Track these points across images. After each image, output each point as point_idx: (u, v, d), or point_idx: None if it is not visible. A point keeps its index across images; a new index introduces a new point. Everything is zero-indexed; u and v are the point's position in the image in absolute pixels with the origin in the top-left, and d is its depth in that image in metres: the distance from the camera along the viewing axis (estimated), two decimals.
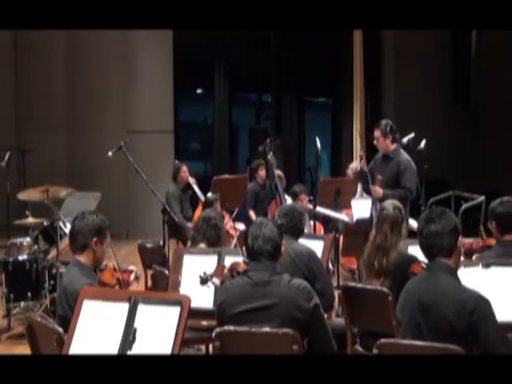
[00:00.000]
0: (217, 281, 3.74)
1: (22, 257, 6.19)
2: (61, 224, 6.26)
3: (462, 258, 3.30)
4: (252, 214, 8.60)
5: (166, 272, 4.83)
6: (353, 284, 4.45)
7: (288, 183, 9.19)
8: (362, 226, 6.36)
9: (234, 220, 7.89)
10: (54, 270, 6.12)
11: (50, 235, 6.39)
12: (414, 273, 3.37)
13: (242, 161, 14.80)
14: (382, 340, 2.96)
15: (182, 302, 2.72)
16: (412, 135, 6.73)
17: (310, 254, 4.40)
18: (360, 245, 4.92)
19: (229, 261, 3.82)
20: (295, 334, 3.04)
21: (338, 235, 6.98)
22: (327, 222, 7.82)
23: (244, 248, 3.47)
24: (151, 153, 11.43)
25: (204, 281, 3.78)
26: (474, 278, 3.55)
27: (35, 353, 3.31)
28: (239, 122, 15.07)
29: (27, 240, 6.45)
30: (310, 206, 7.33)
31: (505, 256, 3.97)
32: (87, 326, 2.81)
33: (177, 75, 12.39)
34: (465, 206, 6.72)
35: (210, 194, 7.45)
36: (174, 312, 2.70)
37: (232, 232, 6.91)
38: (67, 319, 3.08)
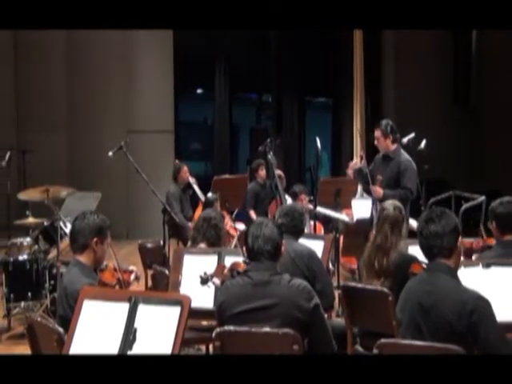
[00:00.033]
0: (217, 281, 3.74)
1: (23, 257, 6.19)
2: (61, 224, 6.26)
3: (461, 258, 3.30)
4: (253, 213, 8.60)
5: (167, 272, 4.83)
6: (353, 284, 4.45)
7: (288, 183, 9.19)
8: (363, 226, 6.36)
9: (235, 220, 7.90)
10: (54, 270, 6.12)
11: (50, 235, 6.39)
12: (414, 273, 3.37)
13: (242, 161, 14.80)
14: (382, 340, 2.96)
15: (182, 301, 2.72)
16: (412, 135, 6.73)
17: (311, 254, 4.40)
18: (360, 245, 4.92)
19: (229, 261, 3.82)
20: (295, 334, 3.04)
21: (338, 235, 6.98)
22: (327, 222, 7.82)
23: (244, 248, 3.47)
24: (151, 153, 11.44)
25: (204, 281, 3.78)
26: (474, 278, 3.55)
27: (35, 353, 3.31)
28: (239, 121, 15.07)
29: (27, 240, 6.45)
30: (310, 206, 7.33)
31: (505, 256, 3.97)
32: (87, 326, 2.81)
33: (177, 75, 12.39)
34: (465, 206, 6.71)
35: (210, 194, 7.45)
36: (174, 312, 2.70)
37: (232, 232, 6.91)
38: (67, 319, 3.08)
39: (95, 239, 3.68)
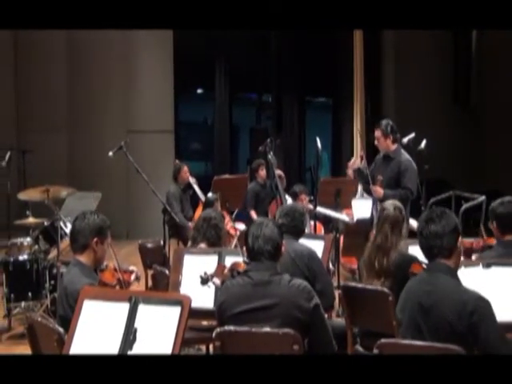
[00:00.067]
0: (217, 281, 3.74)
1: (23, 257, 6.19)
2: (61, 224, 6.26)
3: (461, 258, 3.30)
4: (253, 214, 8.60)
5: (167, 272, 4.83)
6: (353, 284, 4.45)
7: (288, 183, 9.19)
8: (363, 226, 6.35)
9: (235, 220, 7.90)
10: (54, 270, 6.12)
11: (50, 235, 6.39)
12: (414, 273, 3.37)
13: (242, 161, 14.80)
14: (383, 340, 2.96)
15: (182, 302, 2.72)
16: (412, 135, 6.73)
17: (311, 254, 4.40)
18: (360, 245, 4.92)
19: (229, 261, 3.82)
20: (296, 334, 3.04)
21: (338, 235, 6.98)
22: (328, 222, 7.82)
23: (244, 248, 3.47)
24: (152, 153, 11.44)
25: (204, 281, 3.78)
26: (474, 277, 3.55)
27: (36, 353, 3.31)
28: (240, 121, 15.08)
29: (28, 240, 6.45)
30: (311, 206, 7.33)
31: (505, 256, 3.97)
32: (88, 326, 2.81)
33: (177, 75, 12.40)
34: (465, 205, 6.71)
35: (210, 194, 7.45)
36: (174, 312, 2.70)
37: (232, 232, 6.91)
38: (68, 319, 3.08)
39: (95, 239, 3.68)
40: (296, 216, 4.54)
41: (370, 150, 8.36)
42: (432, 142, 7.14)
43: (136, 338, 2.70)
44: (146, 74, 12.17)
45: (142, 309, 2.76)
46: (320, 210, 7.02)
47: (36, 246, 6.35)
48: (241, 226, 7.62)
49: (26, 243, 6.44)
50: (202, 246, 4.63)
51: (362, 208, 6.91)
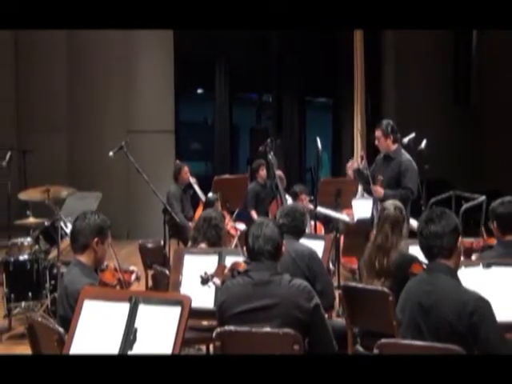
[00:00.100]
0: (217, 281, 3.74)
1: (23, 257, 6.19)
2: (62, 224, 6.25)
3: (461, 258, 3.30)
4: (254, 214, 8.60)
5: (167, 272, 4.83)
6: (353, 284, 4.45)
7: (289, 183, 9.20)
8: (363, 226, 6.36)
9: (235, 220, 7.90)
10: (54, 270, 6.12)
11: (50, 235, 6.38)
12: (415, 273, 3.37)
13: (242, 161, 14.81)
14: (383, 340, 2.96)
15: (182, 302, 2.73)
16: (412, 135, 6.73)
17: (311, 254, 4.40)
18: (361, 245, 4.93)
19: (229, 261, 3.82)
20: (296, 333, 3.04)
21: (338, 235, 6.98)
22: (328, 222, 7.82)
23: (245, 248, 3.47)
24: (152, 153, 11.44)
25: (205, 281, 3.78)
26: (474, 277, 3.56)
27: (36, 353, 3.31)
28: (240, 122, 15.08)
29: (28, 240, 6.45)
30: (311, 206, 7.33)
31: (506, 256, 3.97)
32: (88, 326, 2.81)
33: (177, 75, 12.40)
34: (465, 205, 6.71)
35: (210, 194, 7.45)
36: (174, 312, 2.70)
37: (233, 232, 6.91)
38: (68, 319, 3.08)
39: (96, 239, 3.69)
40: (297, 216, 4.54)
41: (371, 150, 8.36)
42: (432, 142, 7.14)
43: (136, 338, 2.70)
44: (147, 74, 12.16)
45: (143, 309, 2.76)
46: (320, 210, 7.03)
47: (36, 246, 6.35)
48: (241, 226, 7.63)
49: (26, 243, 6.44)
50: (203, 246, 4.63)
51: (362, 208, 6.91)
